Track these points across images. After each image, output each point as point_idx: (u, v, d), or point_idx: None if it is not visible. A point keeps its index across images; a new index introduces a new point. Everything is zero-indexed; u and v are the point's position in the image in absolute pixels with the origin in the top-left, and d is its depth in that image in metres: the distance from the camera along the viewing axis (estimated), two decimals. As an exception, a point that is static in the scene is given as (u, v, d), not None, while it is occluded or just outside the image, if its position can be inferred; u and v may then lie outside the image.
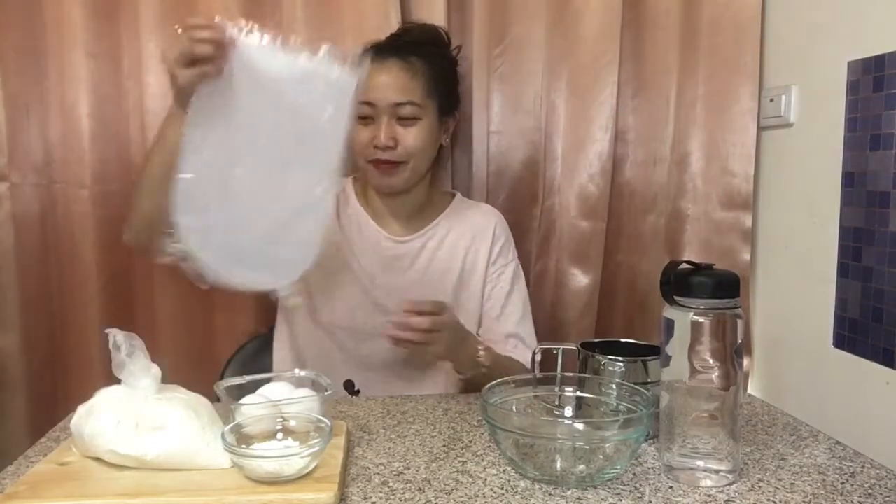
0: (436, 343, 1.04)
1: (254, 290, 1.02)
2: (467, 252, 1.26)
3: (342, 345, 1.23)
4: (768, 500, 0.76)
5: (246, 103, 0.88)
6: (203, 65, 0.86)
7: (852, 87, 1.11)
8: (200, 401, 0.86)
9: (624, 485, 0.79)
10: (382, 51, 1.18)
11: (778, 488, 0.78)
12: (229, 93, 0.88)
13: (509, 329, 1.25)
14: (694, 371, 0.79)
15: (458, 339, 1.10)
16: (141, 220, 1.05)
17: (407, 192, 1.24)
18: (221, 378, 1.10)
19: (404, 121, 1.17)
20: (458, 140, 1.44)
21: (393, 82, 1.16)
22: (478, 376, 1.11)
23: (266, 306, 1.36)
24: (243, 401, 0.86)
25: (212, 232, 0.92)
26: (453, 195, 1.33)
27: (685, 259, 0.83)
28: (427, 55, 1.20)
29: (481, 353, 1.12)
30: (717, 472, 0.79)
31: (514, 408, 0.90)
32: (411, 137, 1.17)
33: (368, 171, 1.20)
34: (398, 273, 1.24)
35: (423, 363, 1.24)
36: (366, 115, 1.16)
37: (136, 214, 1.05)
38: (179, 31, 0.86)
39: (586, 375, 0.95)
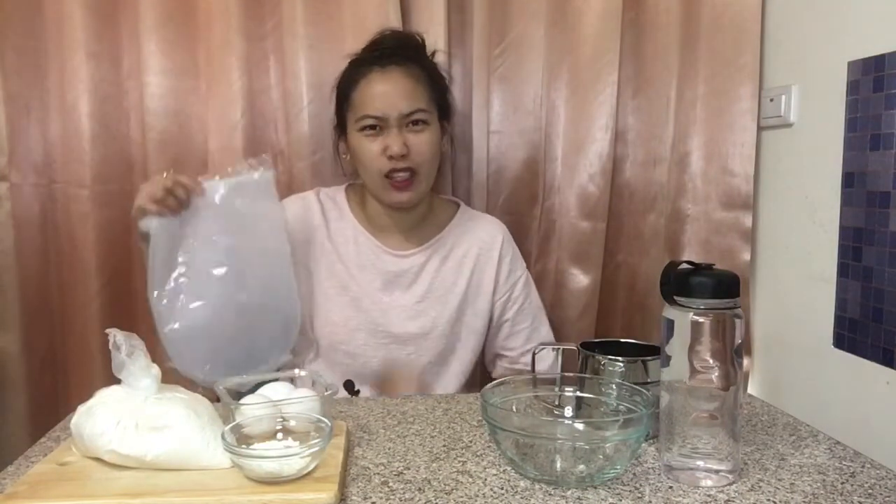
0: None
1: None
2: (473, 270, 1.25)
3: (345, 369, 1.22)
4: (768, 500, 0.76)
5: (203, 227, 1.05)
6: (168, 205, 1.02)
7: (852, 87, 1.11)
8: (200, 401, 0.86)
9: (624, 485, 0.79)
10: (379, 59, 1.17)
11: (778, 488, 0.78)
12: (191, 222, 1.05)
13: (522, 344, 1.26)
14: (694, 371, 0.79)
15: None
16: None
17: (416, 204, 1.22)
18: (221, 378, 1.10)
19: (413, 127, 1.16)
20: (458, 140, 1.44)
21: (400, 92, 1.15)
22: None
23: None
24: (243, 401, 0.86)
25: (195, 339, 1.05)
26: (457, 205, 1.31)
27: (685, 259, 0.83)
28: (422, 61, 1.20)
29: None
30: (717, 472, 0.79)
31: (514, 408, 0.90)
32: (422, 143, 1.16)
33: (382, 186, 1.17)
34: (400, 290, 1.22)
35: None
36: (372, 125, 1.15)
37: None
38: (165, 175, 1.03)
39: (586, 375, 0.95)
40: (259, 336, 1.06)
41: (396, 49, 1.20)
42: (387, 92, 1.15)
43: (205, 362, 1.04)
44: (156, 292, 1.04)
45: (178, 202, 1.02)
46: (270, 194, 1.08)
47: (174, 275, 1.04)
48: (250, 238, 1.07)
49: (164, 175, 1.02)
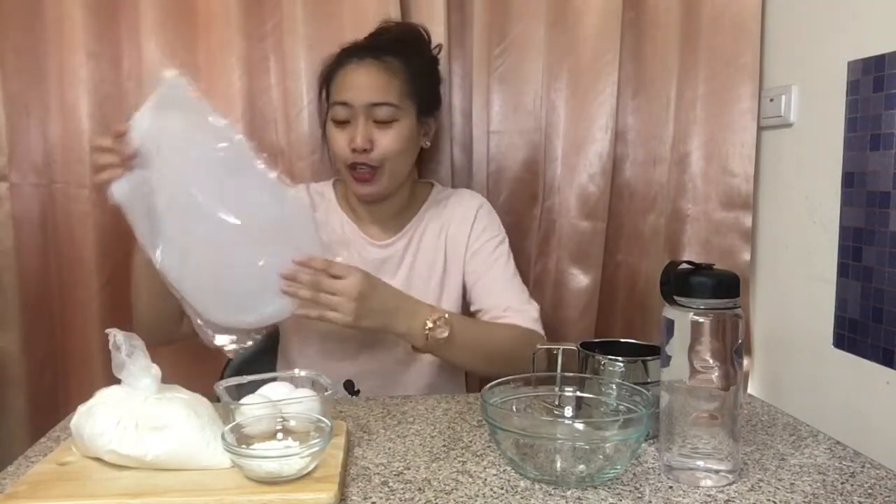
0: (340, 310, 1.00)
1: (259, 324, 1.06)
2: (447, 240, 1.25)
3: (339, 358, 1.22)
4: (768, 500, 0.76)
5: (166, 171, 0.97)
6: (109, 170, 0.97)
7: (852, 87, 1.11)
8: (200, 401, 0.86)
9: (624, 485, 0.79)
10: (360, 50, 1.17)
11: (778, 488, 0.78)
12: (152, 172, 0.97)
13: (500, 301, 1.21)
14: (694, 371, 0.79)
15: (386, 310, 1.04)
16: (143, 326, 1.12)
17: (389, 196, 1.22)
18: (221, 378, 1.11)
19: (381, 123, 1.15)
20: (458, 140, 1.44)
21: (369, 82, 1.14)
22: (440, 348, 1.07)
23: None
24: (243, 401, 0.86)
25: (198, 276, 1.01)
26: (431, 185, 1.31)
27: (685, 259, 0.83)
28: (405, 54, 1.19)
29: (429, 325, 1.05)
30: (717, 472, 0.79)
31: (514, 408, 0.90)
32: (388, 140, 1.15)
33: (348, 177, 1.18)
34: (387, 276, 1.21)
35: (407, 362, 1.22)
36: (342, 118, 1.15)
37: (137, 321, 1.13)
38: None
39: (586, 375, 0.95)
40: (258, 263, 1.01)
41: (385, 41, 1.19)
42: (358, 83, 1.15)
43: (217, 306, 1.01)
44: (158, 253, 0.99)
45: (113, 156, 0.96)
46: (189, 97, 0.96)
47: (163, 230, 0.99)
48: (209, 157, 0.98)
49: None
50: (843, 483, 0.80)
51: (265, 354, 1.33)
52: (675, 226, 1.42)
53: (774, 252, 1.33)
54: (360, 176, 1.17)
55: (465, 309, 1.28)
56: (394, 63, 1.16)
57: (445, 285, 1.24)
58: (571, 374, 0.95)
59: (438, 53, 1.27)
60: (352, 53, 1.18)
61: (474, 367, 1.19)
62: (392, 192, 1.22)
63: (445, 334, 1.06)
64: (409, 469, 0.83)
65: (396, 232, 1.25)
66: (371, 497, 0.76)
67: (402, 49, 1.19)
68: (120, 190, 0.97)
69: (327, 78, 1.21)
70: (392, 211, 1.25)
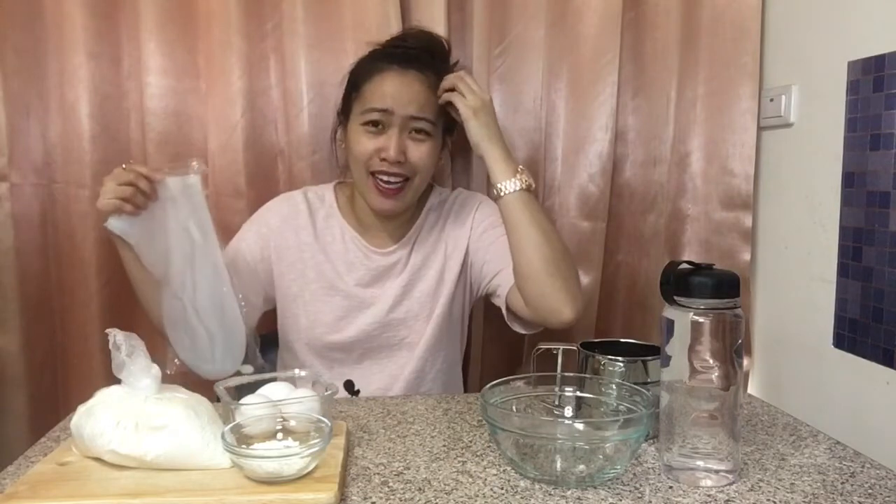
0: (478, 94, 1.13)
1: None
2: (447, 237, 1.24)
3: (339, 366, 1.22)
4: (768, 500, 0.76)
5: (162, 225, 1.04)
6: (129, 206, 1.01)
7: (852, 87, 1.11)
8: (200, 401, 0.86)
9: (624, 485, 0.79)
10: (402, 59, 1.15)
11: (778, 488, 0.78)
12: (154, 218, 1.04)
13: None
14: (694, 371, 0.79)
15: (497, 129, 1.15)
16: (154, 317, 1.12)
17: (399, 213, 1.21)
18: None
19: (415, 135, 1.14)
20: (458, 140, 1.44)
21: (413, 95, 1.14)
22: (523, 194, 1.11)
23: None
24: (243, 401, 0.86)
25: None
26: (431, 187, 1.30)
27: (685, 259, 0.83)
28: (438, 69, 1.18)
29: (520, 167, 1.12)
30: (717, 472, 0.79)
31: (514, 408, 0.90)
32: (420, 154, 1.14)
33: (367, 186, 1.16)
34: (390, 281, 1.22)
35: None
36: (375, 121, 1.13)
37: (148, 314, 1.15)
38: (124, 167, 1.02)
39: (586, 375, 0.95)
40: (208, 335, 1.05)
41: (420, 51, 1.18)
42: (400, 91, 1.13)
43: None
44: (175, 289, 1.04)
45: (145, 197, 1.01)
46: (203, 198, 1.04)
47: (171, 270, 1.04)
48: (201, 237, 1.04)
49: (123, 167, 1.01)
50: (843, 483, 0.80)
51: (264, 356, 1.33)
52: (675, 226, 1.42)
53: (774, 252, 1.33)
54: (385, 189, 1.15)
55: (461, 311, 1.28)
56: (433, 78, 1.16)
57: (444, 277, 1.24)
58: (571, 374, 0.95)
59: (454, 67, 1.25)
60: (392, 59, 1.16)
61: (538, 247, 1.10)
62: (408, 208, 1.22)
63: (532, 182, 1.12)
64: (409, 469, 0.83)
65: (399, 238, 1.24)
66: (371, 497, 0.76)
67: (437, 64, 1.19)
68: (129, 225, 1.03)
69: (359, 78, 1.18)
70: (399, 222, 1.24)
